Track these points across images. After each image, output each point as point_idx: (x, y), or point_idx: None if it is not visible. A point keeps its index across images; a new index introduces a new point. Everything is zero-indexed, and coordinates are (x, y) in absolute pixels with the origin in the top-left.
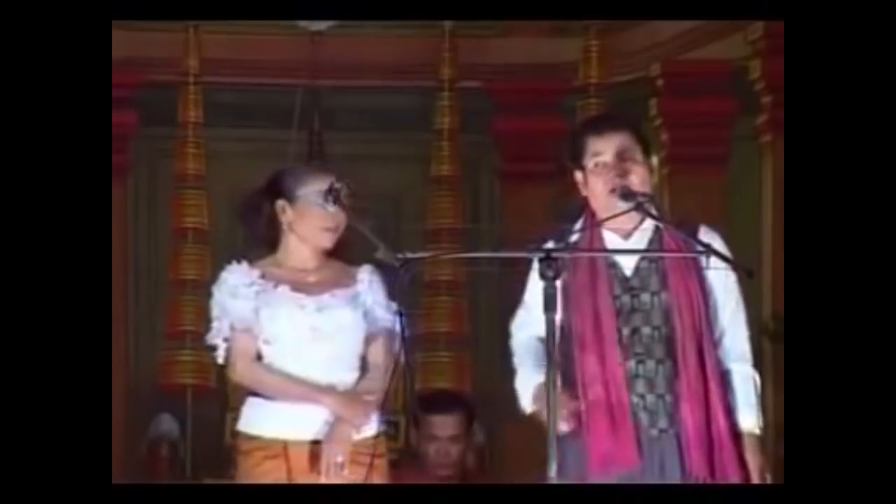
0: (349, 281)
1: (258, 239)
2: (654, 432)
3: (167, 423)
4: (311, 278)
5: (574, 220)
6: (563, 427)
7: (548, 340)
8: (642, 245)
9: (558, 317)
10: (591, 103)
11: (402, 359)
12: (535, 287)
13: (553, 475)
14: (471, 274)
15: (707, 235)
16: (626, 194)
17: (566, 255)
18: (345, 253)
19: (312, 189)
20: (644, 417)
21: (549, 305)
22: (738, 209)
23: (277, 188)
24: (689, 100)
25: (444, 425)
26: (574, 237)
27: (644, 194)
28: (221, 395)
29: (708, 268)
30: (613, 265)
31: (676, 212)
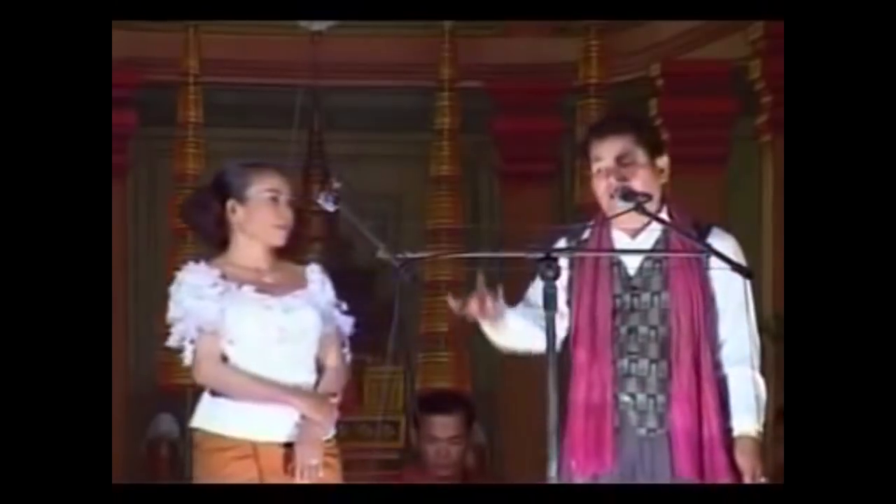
0: (302, 282)
1: (207, 238)
2: (643, 431)
3: (167, 424)
4: (268, 279)
5: (584, 220)
6: (475, 309)
7: (548, 340)
8: (648, 245)
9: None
10: (591, 103)
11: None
12: (537, 288)
13: (553, 475)
14: (471, 274)
15: (719, 237)
16: (627, 194)
17: (566, 256)
18: (293, 253)
19: (261, 188)
20: (633, 416)
21: (548, 305)
22: (738, 209)
23: (225, 188)
24: (689, 100)
25: (445, 426)
26: (585, 235)
27: (644, 194)
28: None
29: (709, 268)
30: (618, 264)
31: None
